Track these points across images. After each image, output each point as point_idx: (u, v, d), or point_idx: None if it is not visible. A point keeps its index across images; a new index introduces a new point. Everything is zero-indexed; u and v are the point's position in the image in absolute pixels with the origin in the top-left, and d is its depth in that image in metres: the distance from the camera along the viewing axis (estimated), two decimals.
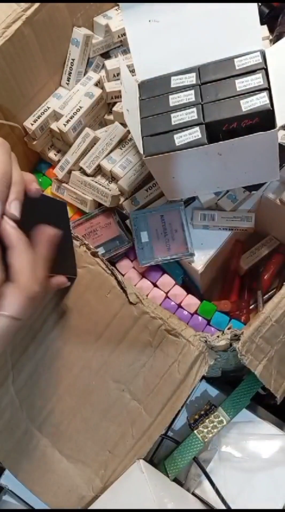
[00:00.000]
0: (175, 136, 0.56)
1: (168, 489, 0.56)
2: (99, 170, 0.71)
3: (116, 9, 0.77)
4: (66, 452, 0.57)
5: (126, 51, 0.77)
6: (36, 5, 0.65)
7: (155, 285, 0.68)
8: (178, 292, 0.67)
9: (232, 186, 0.66)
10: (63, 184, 0.72)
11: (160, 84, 0.60)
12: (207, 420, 0.59)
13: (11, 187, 0.43)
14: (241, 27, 0.58)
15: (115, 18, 0.75)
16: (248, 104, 0.55)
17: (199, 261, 0.66)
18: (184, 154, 0.56)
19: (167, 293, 0.68)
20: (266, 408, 0.64)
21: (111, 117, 0.74)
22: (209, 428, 0.58)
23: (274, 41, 0.73)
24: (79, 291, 0.57)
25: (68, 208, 0.62)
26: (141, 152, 0.57)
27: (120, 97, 0.72)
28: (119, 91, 0.72)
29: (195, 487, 0.58)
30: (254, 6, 0.57)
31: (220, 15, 0.58)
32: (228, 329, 0.51)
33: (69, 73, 0.75)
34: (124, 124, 0.71)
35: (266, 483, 0.57)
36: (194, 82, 0.59)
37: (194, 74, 0.59)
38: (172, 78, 0.60)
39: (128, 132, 0.71)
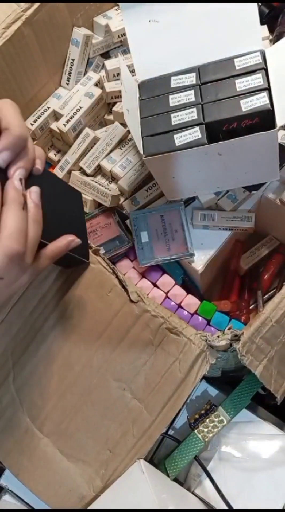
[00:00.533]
0: (175, 136, 0.56)
1: (168, 489, 0.56)
2: (99, 170, 0.71)
3: (116, 9, 0.77)
4: (67, 451, 0.57)
5: (126, 51, 0.77)
6: (36, 5, 0.65)
7: (155, 285, 0.68)
8: (178, 292, 0.67)
9: (232, 186, 0.66)
10: None
11: (160, 84, 0.60)
12: (207, 420, 0.59)
13: (23, 154, 0.45)
14: (241, 27, 0.58)
15: (115, 18, 0.75)
16: (248, 104, 0.55)
17: (199, 261, 0.66)
18: (184, 154, 0.56)
19: (167, 293, 0.68)
20: (266, 408, 0.64)
21: (111, 117, 0.74)
22: (210, 428, 0.58)
23: (274, 41, 0.73)
24: (80, 289, 0.57)
25: None
26: (142, 152, 0.57)
27: (120, 97, 0.73)
28: (119, 91, 0.72)
29: (195, 486, 0.58)
30: (254, 6, 0.57)
31: (220, 15, 0.58)
32: (228, 329, 0.52)
33: (69, 73, 0.75)
34: (124, 124, 0.71)
35: (266, 483, 0.57)
36: (194, 82, 0.59)
37: (194, 74, 0.59)
38: (172, 78, 0.60)
39: (128, 132, 0.71)
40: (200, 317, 0.67)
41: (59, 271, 0.58)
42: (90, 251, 0.57)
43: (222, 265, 0.75)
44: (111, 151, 0.70)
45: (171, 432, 0.63)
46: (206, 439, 0.58)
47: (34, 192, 0.46)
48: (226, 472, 0.58)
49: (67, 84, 0.76)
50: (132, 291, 0.54)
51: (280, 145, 0.57)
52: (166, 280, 0.68)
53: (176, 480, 0.59)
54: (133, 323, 0.55)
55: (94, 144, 0.71)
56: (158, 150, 0.56)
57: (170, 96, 0.59)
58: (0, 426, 0.59)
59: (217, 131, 0.56)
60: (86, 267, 0.57)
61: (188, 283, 0.71)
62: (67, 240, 0.50)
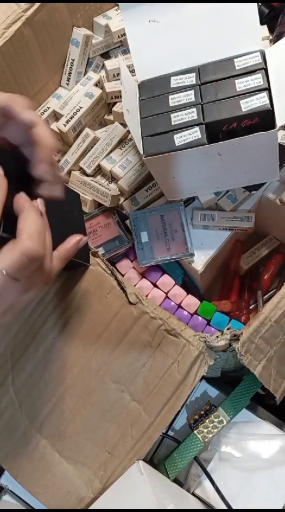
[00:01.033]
0: (175, 136, 0.56)
1: (168, 489, 0.56)
2: (99, 170, 0.71)
3: (116, 9, 0.77)
4: (65, 453, 0.57)
5: (126, 51, 0.77)
6: (36, 5, 0.65)
7: (155, 285, 0.68)
8: (178, 292, 0.67)
9: (232, 186, 0.66)
10: None
11: (159, 84, 0.60)
12: (207, 420, 0.59)
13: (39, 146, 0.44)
14: (241, 27, 0.58)
15: (115, 18, 0.75)
16: (248, 104, 0.55)
17: (199, 261, 0.66)
18: (184, 154, 0.56)
19: (167, 293, 0.68)
20: (266, 408, 0.64)
21: (111, 117, 0.74)
22: (209, 428, 0.58)
23: (274, 41, 0.73)
24: (79, 291, 0.57)
25: None
26: (141, 152, 0.57)
27: (120, 97, 0.72)
28: (119, 91, 0.72)
29: (195, 487, 0.58)
30: (254, 6, 0.57)
31: (220, 15, 0.58)
32: (228, 329, 0.51)
33: (69, 73, 0.75)
34: (124, 124, 0.71)
35: (266, 483, 0.57)
36: (194, 82, 0.59)
37: (193, 74, 0.59)
38: (172, 78, 0.60)
39: (128, 132, 0.71)
40: (200, 317, 0.67)
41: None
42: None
43: (222, 265, 0.75)
44: (111, 151, 0.70)
45: (170, 432, 0.63)
46: (206, 440, 0.58)
47: (40, 201, 0.46)
48: (226, 472, 0.58)
49: (67, 84, 0.76)
50: (131, 292, 0.54)
51: (280, 145, 0.57)
52: (166, 280, 0.68)
53: (176, 480, 0.59)
54: (132, 325, 0.54)
55: (94, 144, 0.71)
56: (158, 150, 0.56)
57: (170, 96, 0.59)
58: None
59: (217, 131, 0.56)
60: (85, 269, 0.57)
61: (188, 283, 0.71)
62: (75, 240, 0.50)
